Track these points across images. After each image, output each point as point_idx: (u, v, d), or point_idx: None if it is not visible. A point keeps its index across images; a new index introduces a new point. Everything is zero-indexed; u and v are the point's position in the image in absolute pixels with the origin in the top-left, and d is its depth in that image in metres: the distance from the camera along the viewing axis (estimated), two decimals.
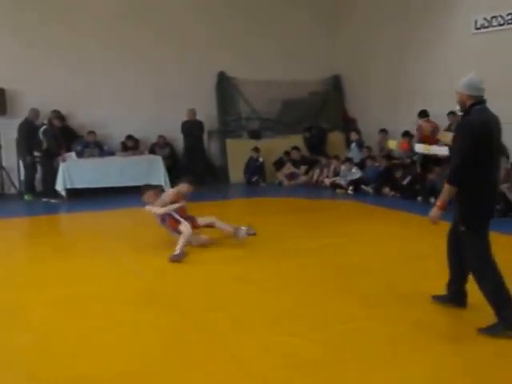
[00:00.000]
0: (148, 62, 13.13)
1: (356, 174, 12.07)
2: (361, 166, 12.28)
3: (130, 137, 12.82)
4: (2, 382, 3.88)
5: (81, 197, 11.25)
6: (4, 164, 12.02)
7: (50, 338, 4.57)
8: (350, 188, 11.83)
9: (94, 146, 12.33)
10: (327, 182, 12.53)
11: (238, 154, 13.65)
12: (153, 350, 4.29)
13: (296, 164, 13.40)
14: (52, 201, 11.27)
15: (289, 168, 13.32)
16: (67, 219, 10.47)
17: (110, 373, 3.94)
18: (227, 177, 13.69)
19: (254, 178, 13.32)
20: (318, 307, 5.17)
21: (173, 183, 12.20)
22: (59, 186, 11.39)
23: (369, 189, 11.58)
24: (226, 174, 13.75)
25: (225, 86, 13.99)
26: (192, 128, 12.85)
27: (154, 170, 12.15)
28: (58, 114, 11.80)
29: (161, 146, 13.09)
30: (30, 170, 11.78)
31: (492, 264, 4.53)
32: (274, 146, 13.79)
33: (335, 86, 14.99)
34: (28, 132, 11.65)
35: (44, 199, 11.37)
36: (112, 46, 12.75)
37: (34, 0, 12.27)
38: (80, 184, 11.52)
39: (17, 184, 12.15)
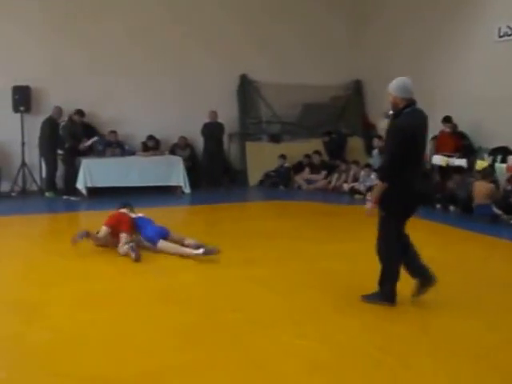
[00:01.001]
0: (171, 63, 13.22)
1: (375, 179, 12.02)
2: None
3: (151, 137, 12.90)
4: (22, 377, 3.92)
5: (101, 195, 11.36)
6: (26, 161, 12.15)
7: (70, 335, 4.62)
8: (369, 194, 11.77)
9: (116, 146, 12.44)
10: (346, 187, 12.52)
11: (257, 156, 13.70)
12: (172, 350, 4.32)
13: (315, 168, 13.41)
14: (72, 198, 11.40)
15: (307, 173, 13.35)
16: (87, 217, 10.56)
17: (128, 371, 3.98)
18: (246, 179, 13.73)
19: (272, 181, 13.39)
20: (335, 311, 5.17)
21: (192, 184, 12.34)
22: (80, 184, 11.52)
23: None
24: (245, 176, 13.79)
25: (246, 89, 14.04)
26: (213, 130, 12.92)
27: (173, 171, 12.24)
28: (78, 110, 11.93)
29: (181, 147, 13.16)
30: (52, 167, 11.92)
31: (396, 248, 5.11)
32: (294, 149, 13.80)
33: (356, 91, 14.98)
34: (51, 130, 11.80)
35: (65, 197, 11.50)
36: (137, 46, 12.85)
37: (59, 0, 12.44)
38: (100, 183, 11.64)
39: (38, 181, 12.29)
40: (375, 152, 12.99)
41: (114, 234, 7.11)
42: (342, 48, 14.56)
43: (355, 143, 14.40)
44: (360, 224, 9.47)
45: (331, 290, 5.74)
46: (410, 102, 4.93)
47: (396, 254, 5.15)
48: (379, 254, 5.21)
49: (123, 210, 7.51)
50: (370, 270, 5.39)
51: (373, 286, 5.28)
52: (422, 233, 8.80)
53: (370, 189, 11.77)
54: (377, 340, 4.53)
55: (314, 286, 5.86)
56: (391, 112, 5.06)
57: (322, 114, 14.28)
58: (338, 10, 14.55)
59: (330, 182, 13.08)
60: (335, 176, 13.02)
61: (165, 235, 7.24)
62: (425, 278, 5.22)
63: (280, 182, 13.33)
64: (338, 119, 14.66)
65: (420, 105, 5.08)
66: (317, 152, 13.58)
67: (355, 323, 4.90)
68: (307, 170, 13.42)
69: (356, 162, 12.90)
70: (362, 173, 12.34)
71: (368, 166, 12.41)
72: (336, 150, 14.02)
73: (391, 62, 13.70)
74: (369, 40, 14.55)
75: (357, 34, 14.72)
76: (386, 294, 5.18)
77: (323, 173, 13.32)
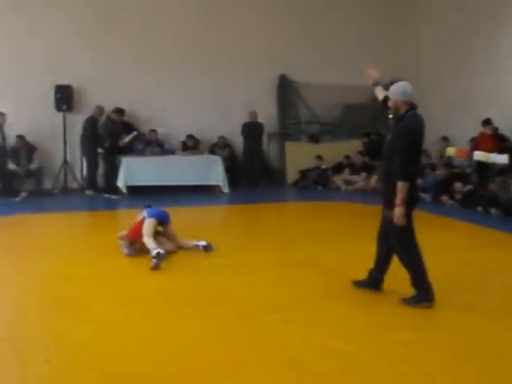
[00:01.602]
0: (212, 63, 13.27)
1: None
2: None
3: (190, 136, 12.98)
4: (63, 371, 3.98)
5: (140, 194, 11.46)
6: (68, 159, 12.34)
7: (110, 332, 4.67)
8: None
9: (155, 145, 12.55)
10: None
11: (296, 157, 13.67)
12: (208, 349, 4.32)
13: (355, 169, 13.32)
14: (113, 197, 11.53)
15: (347, 174, 13.26)
16: (127, 215, 10.64)
17: (166, 369, 3.99)
18: (284, 179, 13.71)
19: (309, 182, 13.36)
20: (376, 314, 5.13)
21: (231, 184, 12.37)
22: (120, 183, 11.67)
23: (427, 196, 11.40)
24: (284, 176, 13.77)
25: (286, 89, 14.00)
26: (252, 130, 12.94)
27: (212, 171, 12.29)
28: (116, 109, 12.08)
29: (220, 147, 13.21)
30: (93, 165, 12.09)
31: (415, 246, 5.18)
32: (333, 150, 13.73)
33: None
34: (92, 128, 11.98)
35: (105, 195, 11.65)
36: (178, 46, 12.99)
37: (105, 1, 12.63)
38: (140, 181, 11.76)
39: (79, 179, 12.47)
40: None
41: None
42: (382, 47, 14.34)
43: None
44: None
45: (370, 293, 5.67)
46: (412, 106, 5.11)
47: (418, 253, 5.22)
48: (401, 260, 5.29)
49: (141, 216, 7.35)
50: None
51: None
52: (461, 236, 8.74)
53: None
54: (425, 350, 4.41)
55: (351, 289, 5.79)
56: (391, 116, 5.20)
57: (361, 114, 14.13)
58: (377, 8, 14.43)
59: (369, 183, 12.97)
60: (375, 177, 12.89)
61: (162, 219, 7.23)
62: (374, 284, 5.56)
63: (318, 183, 13.28)
64: (377, 120, 14.49)
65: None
66: (360, 152, 13.48)
67: (396, 328, 4.83)
68: (347, 170, 13.33)
69: None
70: None
71: None
72: (375, 151, 13.87)
73: (431, 63, 13.58)
74: (409, 40, 14.35)
75: (396, 33, 14.50)
76: (423, 294, 5.20)
77: (363, 174, 13.21)
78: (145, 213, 7.21)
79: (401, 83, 5.21)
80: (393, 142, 5.12)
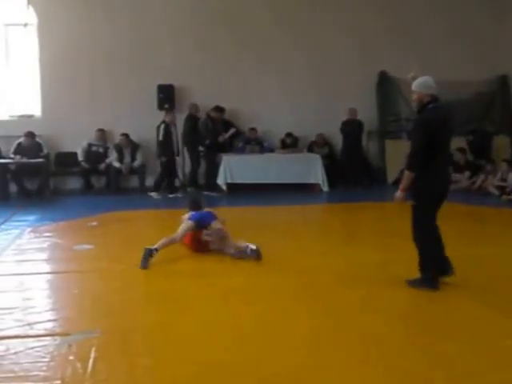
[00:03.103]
0: (310, 60, 13.16)
1: None
2: None
3: (289, 134, 12.91)
4: (166, 364, 3.99)
5: (240, 191, 11.51)
6: None
7: (210, 326, 4.65)
8: None
9: (255, 143, 12.57)
10: (492, 187, 11.80)
11: (396, 155, 13.27)
12: (303, 351, 4.21)
13: (459, 168, 12.78)
14: (213, 194, 11.64)
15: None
16: (226, 213, 10.67)
17: (263, 369, 3.92)
18: (385, 178, 13.38)
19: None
20: (474, 318, 4.85)
21: (330, 182, 12.20)
22: (220, 180, 11.77)
23: None
24: (384, 175, 13.44)
25: (385, 86, 13.65)
26: (352, 127, 12.69)
27: (312, 169, 12.19)
28: (216, 107, 12.17)
29: (319, 145, 13.06)
30: (195, 163, 12.25)
31: (432, 234, 5.48)
32: None
33: (502, 86, 14.07)
34: (191, 126, 12.16)
35: (205, 192, 11.77)
36: (278, 45, 12.97)
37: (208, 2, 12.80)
38: (240, 179, 11.81)
39: (180, 176, 12.67)
40: None
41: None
42: (486, 41, 13.66)
43: (501, 142, 13.57)
44: (508, 227, 8.97)
45: (475, 294, 5.41)
46: (434, 98, 5.35)
47: (432, 240, 5.49)
48: (415, 242, 5.55)
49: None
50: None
51: None
52: None
53: None
54: None
55: (450, 289, 5.51)
56: (416, 108, 5.50)
57: (465, 111, 13.54)
58: (479, 1, 13.77)
59: (473, 183, 12.41)
60: (481, 177, 12.31)
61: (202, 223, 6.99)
62: (441, 270, 5.55)
63: None
64: (482, 117, 13.91)
65: None
66: (460, 150, 12.91)
67: (501, 333, 4.52)
68: (451, 168, 12.79)
69: (507, 161, 12.07)
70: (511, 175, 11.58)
71: None
72: (481, 149, 13.30)
73: None
74: None
75: (502, 25, 13.79)
76: (427, 280, 5.45)
77: (467, 173, 12.65)
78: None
79: (423, 77, 5.51)
80: (411, 132, 5.56)
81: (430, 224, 5.49)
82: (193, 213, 7.13)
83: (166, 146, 11.65)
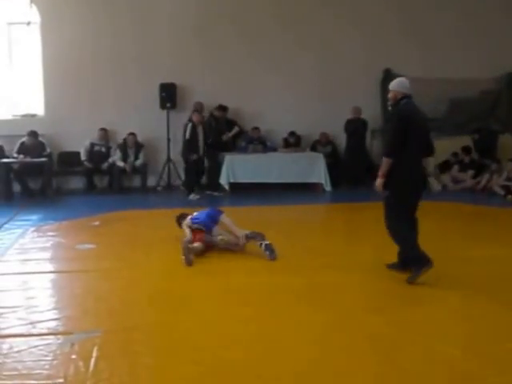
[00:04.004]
0: (313, 59, 13.11)
1: None
2: None
3: (292, 133, 12.87)
4: (169, 363, 3.99)
5: (242, 191, 11.48)
6: (171, 157, 12.55)
7: (213, 327, 4.64)
8: None
9: (258, 142, 12.54)
10: (497, 187, 11.75)
11: None
12: (300, 350, 4.20)
13: (464, 167, 12.74)
14: (215, 194, 11.61)
15: (455, 171, 12.71)
16: (228, 213, 10.68)
17: (270, 369, 3.91)
18: None
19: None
20: (477, 319, 4.83)
21: (333, 182, 12.15)
22: (223, 180, 11.73)
23: None
24: None
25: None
26: (356, 126, 12.64)
27: (314, 168, 12.14)
28: (219, 106, 12.14)
29: (322, 144, 13.01)
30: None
31: (404, 224, 5.81)
32: (439, 147, 13.06)
33: (509, 84, 14.00)
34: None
35: (208, 192, 11.75)
36: (281, 44, 12.92)
37: (205, 3, 12.74)
38: (242, 178, 11.78)
39: (182, 176, 12.64)
40: None
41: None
42: (493, 38, 13.55)
43: (507, 141, 13.49)
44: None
45: (478, 295, 5.40)
46: (406, 96, 5.85)
47: (406, 229, 5.82)
48: (390, 233, 5.91)
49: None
50: None
51: None
52: None
53: None
54: None
55: (459, 291, 5.51)
56: (390, 105, 6.04)
57: (470, 109, 13.51)
58: None
59: (478, 182, 12.36)
60: (486, 176, 12.25)
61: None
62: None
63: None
64: (488, 115, 13.83)
65: None
66: (464, 149, 12.86)
67: (507, 336, 4.50)
68: (456, 167, 12.75)
69: None
70: None
71: None
72: (486, 148, 13.24)
73: None
74: None
75: (508, 21, 13.71)
76: (418, 262, 5.66)
77: (470, 172, 12.61)
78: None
79: (399, 78, 6.15)
80: (387, 125, 6.00)
81: (401, 217, 5.81)
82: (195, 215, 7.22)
83: (191, 145, 11.50)
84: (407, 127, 5.68)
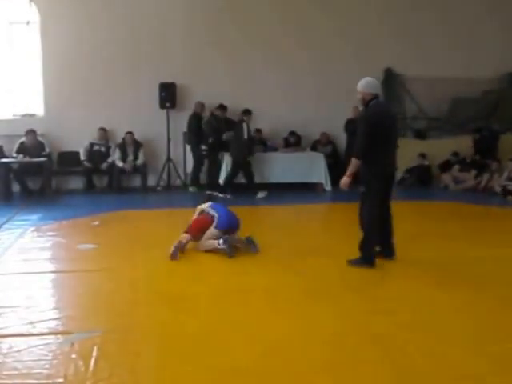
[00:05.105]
0: (313, 58, 13.11)
1: None
2: None
3: (292, 133, 12.85)
4: (169, 364, 3.96)
5: (242, 191, 11.45)
6: (171, 156, 12.53)
7: (213, 328, 4.60)
8: None
9: (259, 143, 12.50)
10: (497, 187, 11.71)
11: (401, 154, 13.09)
12: (302, 350, 4.16)
13: (465, 167, 12.71)
14: (215, 194, 11.57)
15: (456, 171, 12.69)
16: None
17: (269, 366, 3.89)
18: None
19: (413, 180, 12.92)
20: (478, 320, 4.78)
21: (333, 182, 12.11)
22: (222, 180, 11.67)
23: None
24: None
25: (391, 84, 13.53)
26: (356, 126, 12.58)
27: (315, 168, 12.15)
28: (220, 105, 12.12)
29: (323, 144, 13.00)
30: (198, 162, 12.19)
31: (376, 219, 6.06)
32: (440, 147, 13.19)
33: (510, 84, 13.96)
34: (196, 124, 12.09)
35: (207, 192, 11.69)
36: (279, 44, 12.91)
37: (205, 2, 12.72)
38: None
39: (182, 176, 12.62)
40: None
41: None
42: (495, 37, 13.52)
43: (509, 141, 13.46)
44: None
45: (478, 296, 5.36)
46: (375, 96, 6.00)
47: (376, 223, 6.07)
48: (361, 224, 6.10)
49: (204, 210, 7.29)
50: None
51: None
52: None
53: None
54: None
55: (465, 292, 5.46)
56: (360, 107, 6.23)
57: (472, 109, 13.50)
58: None
59: (479, 182, 12.33)
60: (486, 176, 12.22)
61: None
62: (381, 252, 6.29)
63: (420, 181, 12.84)
64: (490, 115, 13.80)
65: None
66: (467, 148, 12.84)
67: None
68: (457, 167, 12.72)
69: None
70: None
71: None
72: (488, 148, 13.20)
73: None
74: None
75: (510, 21, 13.71)
76: (366, 257, 6.05)
77: (472, 172, 12.58)
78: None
79: (366, 78, 6.11)
80: (358, 126, 6.09)
81: (375, 211, 6.04)
82: (216, 207, 7.20)
83: (250, 144, 11.48)
84: (376, 131, 5.83)
